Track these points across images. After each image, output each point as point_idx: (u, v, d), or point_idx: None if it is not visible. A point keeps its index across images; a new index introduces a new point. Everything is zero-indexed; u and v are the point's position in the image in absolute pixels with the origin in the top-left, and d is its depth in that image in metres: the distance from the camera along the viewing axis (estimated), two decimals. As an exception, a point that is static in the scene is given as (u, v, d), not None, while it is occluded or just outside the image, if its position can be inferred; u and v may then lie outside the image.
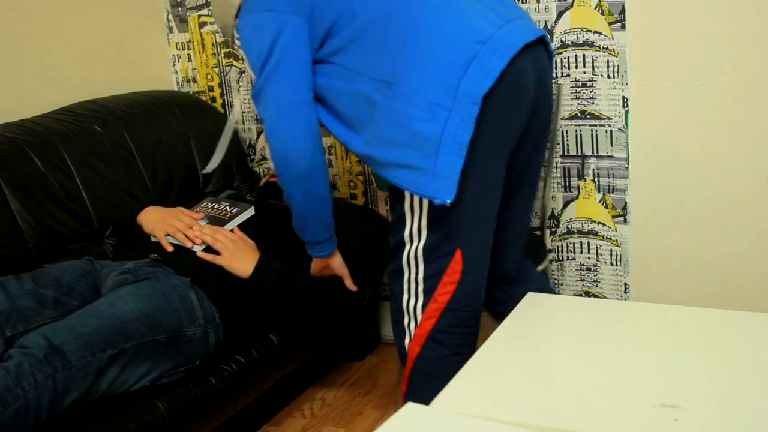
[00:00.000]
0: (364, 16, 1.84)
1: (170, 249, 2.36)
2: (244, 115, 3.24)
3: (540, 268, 2.41)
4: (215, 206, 2.56)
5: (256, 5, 1.96)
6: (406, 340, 1.94)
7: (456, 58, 1.76)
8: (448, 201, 1.75)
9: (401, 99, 1.77)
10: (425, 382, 1.91)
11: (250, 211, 2.51)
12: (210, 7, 2.18)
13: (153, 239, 2.43)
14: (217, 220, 2.47)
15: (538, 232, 2.63)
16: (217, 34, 3.18)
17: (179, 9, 3.24)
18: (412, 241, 1.89)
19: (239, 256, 2.30)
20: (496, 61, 1.76)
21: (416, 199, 1.84)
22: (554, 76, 2.57)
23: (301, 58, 1.91)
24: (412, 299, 1.93)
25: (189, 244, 2.36)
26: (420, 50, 1.78)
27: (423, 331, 1.91)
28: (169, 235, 2.39)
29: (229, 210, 2.52)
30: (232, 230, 2.41)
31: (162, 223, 2.42)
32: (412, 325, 1.93)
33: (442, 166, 1.75)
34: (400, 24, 1.81)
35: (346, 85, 1.89)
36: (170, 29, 3.28)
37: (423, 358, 1.92)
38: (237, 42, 2.07)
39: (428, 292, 1.90)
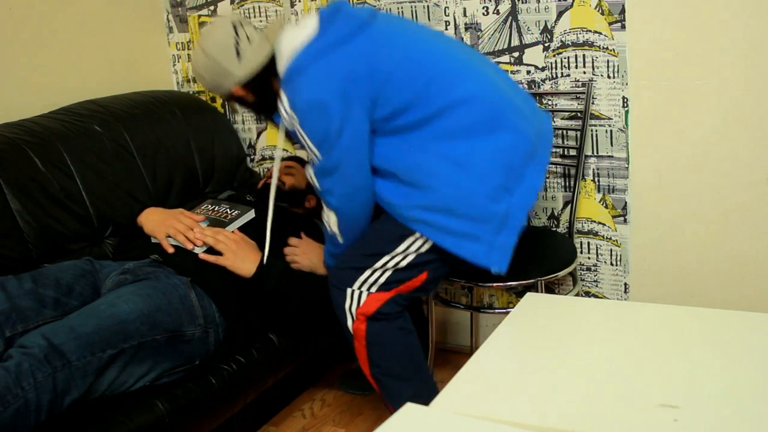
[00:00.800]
0: (439, 101, 2.05)
1: (171, 250, 2.36)
2: (244, 115, 3.24)
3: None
4: (215, 208, 2.55)
5: (314, 83, 2.04)
6: (349, 322, 2.15)
7: (524, 149, 2.10)
8: (503, 271, 2.06)
9: (472, 178, 2.04)
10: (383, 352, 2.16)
11: (251, 214, 2.51)
12: (197, 65, 2.24)
13: (153, 240, 2.43)
14: (218, 222, 2.47)
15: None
16: (217, 34, 3.18)
17: (179, 9, 3.24)
18: (392, 259, 2.12)
19: (241, 256, 2.31)
20: (543, 152, 2.19)
21: (428, 244, 2.11)
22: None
23: (366, 140, 2.09)
24: (363, 290, 2.14)
25: (190, 246, 2.36)
26: (492, 136, 2.06)
27: (368, 311, 2.13)
28: (169, 236, 2.39)
29: (229, 212, 2.51)
30: (233, 232, 2.42)
31: (163, 224, 2.42)
32: (354, 307, 2.14)
33: (503, 241, 2.06)
34: (473, 110, 2.06)
35: (411, 158, 2.09)
36: (170, 29, 3.28)
37: (374, 332, 2.14)
38: (235, 104, 2.30)
39: (382, 287, 2.14)
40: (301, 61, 2.05)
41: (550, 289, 2.72)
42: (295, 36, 2.09)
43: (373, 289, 2.13)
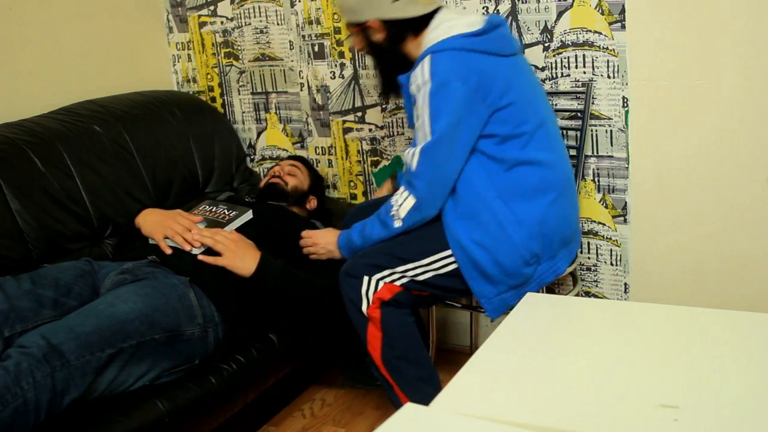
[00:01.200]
0: (531, 151, 2.18)
1: (169, 252, 2.35)
2: (244, 115, 3.24)
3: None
4: (213, 209, 2.55)
5: (461, 65, 2.11)
6: (364, 306, 2.22)
7: (567, 231, 2.27)
8: (493, 318, 2.24)
9: (522, 237, 2.16)
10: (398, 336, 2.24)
11: (248, 215, 2.51)
12: None
13: (151, 241, 2.43)
14: (215, 224, 2.46)
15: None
16: (216, 34, 3.18)
17: (179, 9, 3.24)
18: (415, 269, 2.22)
19: (241, 255, 2.32)
20: (574, 248, 2.35)
21: (450, 267, 2.22)
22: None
23: (472, 141, 2.17)
24: (380, 281, 2.21)
25: (187, 247, 2.36)
26: (550, 208, 2.20)
27: (384, 297, 2.22)
28: (167, 237, 2.38)
29: (227, 213, 2.51)
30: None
31: (161, 225, 2.41)
32: (371, 292, 2.21)
33: (509, 298, 2.21)
34: (549, 176, 2.21)
35: (482, 186, 2.18)
36: (170, 29, 3.28)
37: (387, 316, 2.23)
38: (357, 40, 2.32)
39: (401, 285, 2.22)
40: (457, 42, 2.13)
41: (551, 289, 2.72)
42: (459, 21, 2.19)
43: (388, 282, 2.22)
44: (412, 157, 2.17)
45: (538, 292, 2.30)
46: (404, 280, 2.22)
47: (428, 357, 2.31)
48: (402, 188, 2.21)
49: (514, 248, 2.17)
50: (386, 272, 2.21)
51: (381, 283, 2.21)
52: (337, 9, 2.42)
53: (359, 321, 2.24)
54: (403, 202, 2.19)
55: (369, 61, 2.89)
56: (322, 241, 2.43)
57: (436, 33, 2.18)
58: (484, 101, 2.12)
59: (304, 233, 2.48)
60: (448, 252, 2.21)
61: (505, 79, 2.15)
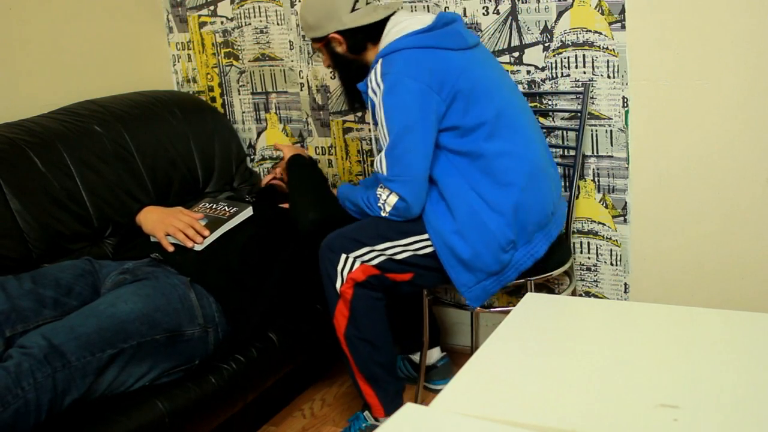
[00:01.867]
0: (497, 142, 2.22)
1: (171, 249, 2.36)
2: (244, 115, 3.24)
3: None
4: (213, 206, 2.56)
5: (410, 64, 2.17)
6: (338, 284, 2.27)
7: (540, 217, 2.28)
8: (475, 308, 2.31)
9: (498, 224, 2.20)
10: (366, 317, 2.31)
11: (249, 211, 2.51)
12: (309, 1, 2.38)
13: (153, 239, 2.43)
14: (216, 220, 2.47)
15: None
16: (216, 34, 3.18)
17: (179, 9, 3.24)
18: (393, 247, 2.26)
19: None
20: (553, 230, 2.35)
21: (429, 249, 2.26)
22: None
23: (433, 136, 2.22)
24: (357, 260, 2.27)
25: (189, 244, 2.36)
26: (523, 194, 2.21)
27: (358, 277, 2.27)
28: (168, 235, 2.39)
29: (227, 209, 2.52)
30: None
31: (162, 223, 2.42)
32: (346, 271, 2.27)
33: (489, 286, 2.26)
34: (520, 164, 2.23)
35: (454, 181, 2.23)
36: (170, 29, 3.28)
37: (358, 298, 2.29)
38: (322, 54, 2.42)
39: (377, 266, 2.27)
40: (406, 42, 2.21)
41: (550, 289, 2.72)
42: (409, 22, 2.26)
43: (365, 262, 2.27)
44: (380, 163, 2.22)
45: (524, 282, 2.35)
46: (381, 259, 2.26)
47: (390, 343, 2.36)
48: (382, 185, 2.25)
49: (490, 236, 2.21)
50: (365, 249, 2.26)
51: (357, 263, 2.26)
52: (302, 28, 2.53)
53: (331, 295, 2.31)
54: (387, 198, 2.24)
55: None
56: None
57: (388, 38, 2.27)
58: (438, 94, 2.17)
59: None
60: (422, 236, 2.26)
61: (458, 72, 2.19)
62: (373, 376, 2.33)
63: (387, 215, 2.25)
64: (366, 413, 2.43)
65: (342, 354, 2.35)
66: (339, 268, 2.27)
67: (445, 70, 2.18)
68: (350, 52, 2.36)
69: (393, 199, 2.22)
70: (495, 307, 2.86)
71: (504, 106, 2.26)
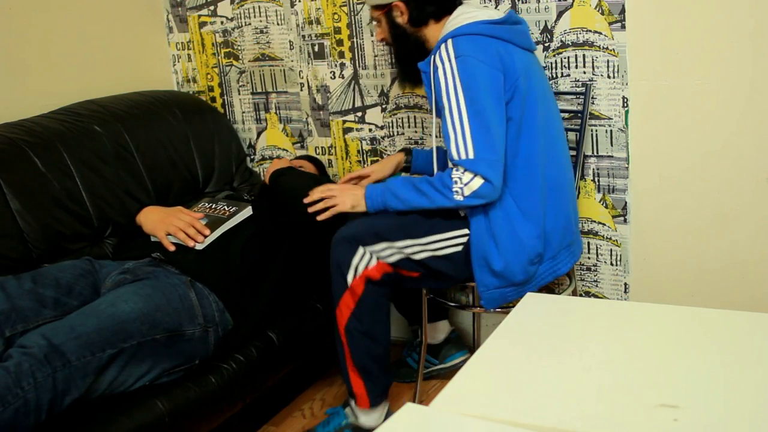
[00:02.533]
0: (539, 146, 2.22)
1: (172, 248, 2.36)
2: (244, 115, 3.24)
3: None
4: (213, 206, 2.56)
5: (480, 48, 2.15)
6: (350, 277, 2.25)
7: (567, 235, 2.30)
8: (486, 308, 2.29)
9: (529, 235, 2.20)
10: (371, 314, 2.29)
11: (248, 210, 2.52)
12: None
13: (153, 239, 2.44)
14: (217, 219, 2.47)
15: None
16: (216, 34, 3.18)
17: (179, 9, 3.24)
18: (413, 246, 2.24)
19: (351, 195, 2.34)
20: (576, 250, 2.38)
21: (459, 243, 2.25)
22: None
23: (504, 119, 2.19)
24: (373, 256, 2.24)
25: (191, 243, 2.37)
26: (553, 211, 2.25)
27: (373, 275, 2.25)
28: (169, 234, 2.39)
29: (227, 209, 2.52)
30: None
31: (162, 222, 2.42)
32: (362, 266, 2.24)
33: (508, 294, 2.25)
34: (558, 176, 2.28)
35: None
36: (170, 29, 3.28)
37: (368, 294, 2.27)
38: (379, 24, 2.39)
39: (393, 264, 2.26)
40: (477, 28, 2.18)
41: (550, 289, 2.72)
42: (480, 12, 2.25)
43: (381, 258, 2.25)
44: (462, 146, 2.12)
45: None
46: (398, 257, 2.25)
47: (388, 337, 2.35)
48: (462, 169, 2.13)
49: (520, 247, 2.20)
50: (384, 245, 2.23)
51: (374, 260, 2.24)
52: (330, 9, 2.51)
53: (339, 286, 2.27)
54: (469, 182, 2.12)
55: (369, 60, 2.89)
56: (348, 192, 2.35)
57: (456, 21, 2.24)
58: (504, 82, 2.16)
59: (321, 187, 2.42)
60: (455, 233, 2.24)
61: (522, 69, 2.18)
62: (366, 369, 2.32)
63: (462, 200, 2.13)
64: (348, 410, 2.43)
65: (337, 342, 2.34)
66: (355, 260, 2.24)
67: (510, 63, 2.17)
68: (411, 24, 2.33)
69: (477, 182, 2.11)
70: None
71: (550, 116, 2.28)
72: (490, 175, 2.11)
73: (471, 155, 2.11)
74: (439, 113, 2.21)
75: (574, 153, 2.59)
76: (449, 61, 2.15)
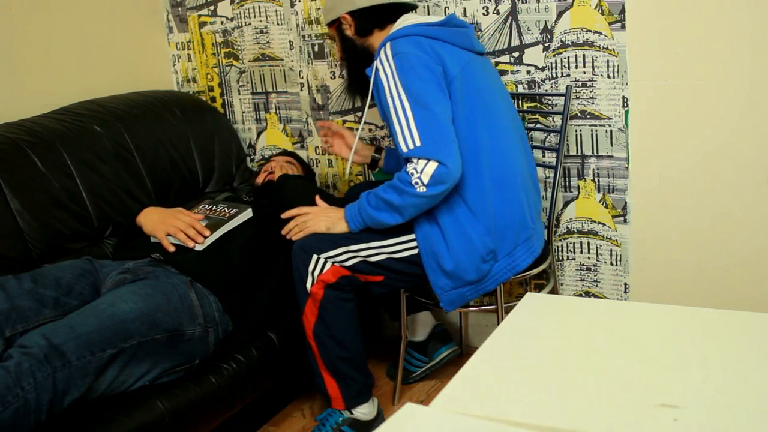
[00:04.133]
0: (485, 144, 2.23)
1: (172, 249, 2.36)
2: (244, 115, 3.24)
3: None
4: (213, 207, 2.56)
5: (418, 47, 2.21)
6: (308, 284, 2.28)
7: (523, 230, 2.30)
8: (448, 310, 2.32)
9: (478, 232, 2.22)
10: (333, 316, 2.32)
11: (248, 213, 2.51)
12: None
13: (153, 239, 2.44)
14: (217, 221, 2.47)
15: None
16: (216, 34, 3.18)
17: (179, 9, 3.24)
18: (369, 249, 2.28)
19: (329, 217, 2.36)
20: (536, 245, 2.35)
21: (406, 253, 2.29)
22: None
23: (448, 102, 2.22)
24: (328, 260, 2.27)
25: (191, 244, 2.37)
26: (505, 205, 2.26)
27: (328, 279, 2.28)
28: (169, 235, 2.39)
29: (227, 210, 2.52)
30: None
31: (163, 223, 2.42)
32: (317, 272, 2.27)
33: (465, 293, 2.28)
34: (509, 172, 2.28)
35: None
36: (170, 29, 3.28)
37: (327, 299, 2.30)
38: (332, 39, 2.46)
39: (349, 267, 2.28)
40: (415, 29, 2.24)
41: (543, 286, 2.72)
42: (420, 18, 2.33)
43: (337, 263, 2.28)
44: (407, 137, 2.13)
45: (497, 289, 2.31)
46: (355, 261, 2.28)
47: (359, 340, 2.37)
48: (415, 159, 2.13)
49: (471, 246, 2.22)
50: (339, 250, 2.27)
51: (329, 264, 2.27)
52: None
53: (301, 293, 2.31)
54: (423, 169, 2.11)
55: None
56: (322, 215, 2.36)
57: (399, 25, 2.31)
58: (443, 77, 2.19)
59: (293, 210, 2.42)
60: (409, 236, 2.27)
61: (459, 66, 2.22)
62: (338, 371, 2.35)
63: (425, 190, 2.11)
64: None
65: (307, 348, 2.37)
66: (310, 268, 2.28)
67: (447, 61, 2.20)
68: (357, 35, 2.39)
69: (431, 167, 2.09)
70: (473, 306, 2.84)
71: (495, 115, 2.29)
72: (442, 157, 2.09)
73: (418, 142, 2.12)
74: (385, 115, 2.23)
75: (575, 153, 2.59)
76: (387, 61, 2.21)
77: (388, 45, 2.23)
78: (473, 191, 2.22)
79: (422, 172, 2.10)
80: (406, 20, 2.33)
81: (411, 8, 2.43)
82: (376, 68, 2.25)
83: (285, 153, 3.03)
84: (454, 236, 2.22)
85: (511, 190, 2.28)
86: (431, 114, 2.13)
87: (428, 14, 2.71)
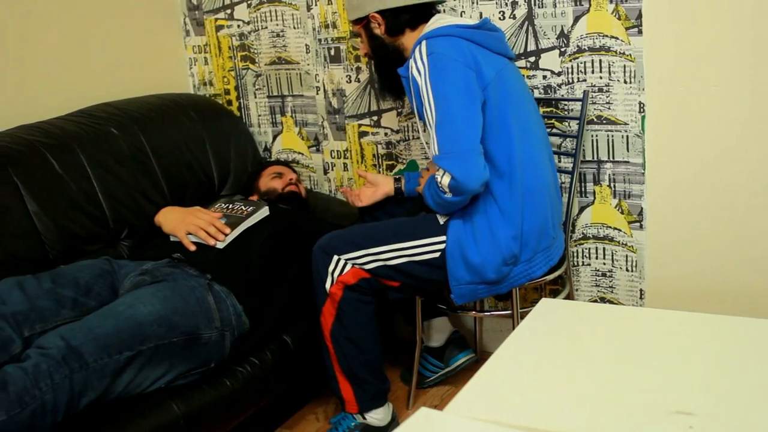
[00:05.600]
0: (516, 150, 2.22)
1: (193, 248, 2.38)
2: (260, 118, 3.25)
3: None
4: (230, 206, 2.58)
5: (453, 48, 2.17)
6: (328, 284, 2.30)
7: (543, 239, 2.29)
8: (457, 303, 2.30)
9: (506, 234, 2.22)
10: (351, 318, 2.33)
11: (265, 211, 2.54)
12: None
13: (173, 239, 2.45)
14: (235, 219, 2.49)
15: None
16: (233, 38, 3.19)
17: (196, 12, 3.25)
18: (390, 252, 2.28)
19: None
20: (554, 255, 2.36)
21: (437, 250, 2.27)
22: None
23: (479, 114, 2.20)
24: (348, 262, 2.29)
25: (212, 242, 2.39)
26: (531, 214, 2.24)
27: (348, 281, 2.30)
28: (190, 234, 2.41)
29: (244, 208, 2.54)
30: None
31: (182, 222, 2.45)
32: (337, 273, 2.29)
33: (480, 290, 2.28)
34: (537, 178, 2.26)
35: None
36: (187, 32, 3.30)
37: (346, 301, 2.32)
38: (359, 37, 2.43)
39: (369, 271, 2.29)
40: (452, 30, 2.21)
41: (558, 292, 2.71)
42: (455, 19, 2.31)
43: (357, 265, 2.29)
44: (433, 143, 2.15)
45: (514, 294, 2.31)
46: (375, 264, 2.28)
47: (376, 344, 2.38)
48: (436, 165, 2.15)
49: (496, 247, 2.22)
50: (359, 252, 2.28)
51: (349, 265, 2.29)
52: (345, 14, 2.55)
53: (320, 294, 2.33)
54: (441, 178, 2.13)
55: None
56: (384, 188, 2.52)
57: (431, 26, 2.28)
58: (477, 82, 2.17)
59: (366, 174, 2.57)
60: (432, 240, 2.26)
61: (495, 72, 2.20)
62: (354, 374, 2.36)
63: (450, 197, 2.15)
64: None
65: (324, 349, 2.38)
66: (330, 268, 2.29)
67: (482, 64, 2.18)
68: (388, 34, 2.36)
69: (446, 179, 2.11)
70: (488, 311, 2.85)
71: (528, 121, 2.28)
72: (452, 169, 2.09)
73: (436, 151, 2.14)
74: (421, 114, 2.23)
75: (591, 158, 2.58)
76: (422, 59, 2.19)
77: (424, 43, 2.20)
78: (506, 195, 2.22)
79: (440, 181, 2.14)
80: (441, 19, 2.30)
81: (437, 9, 2.41)
82: (410, 67, 2.22)
83: (282, 163, 3.05)
84: (482, 234, 2.22)
85: (539, 198, 2.28)
86: (452, 122, 2.13)
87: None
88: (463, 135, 2.13)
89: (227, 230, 2.43)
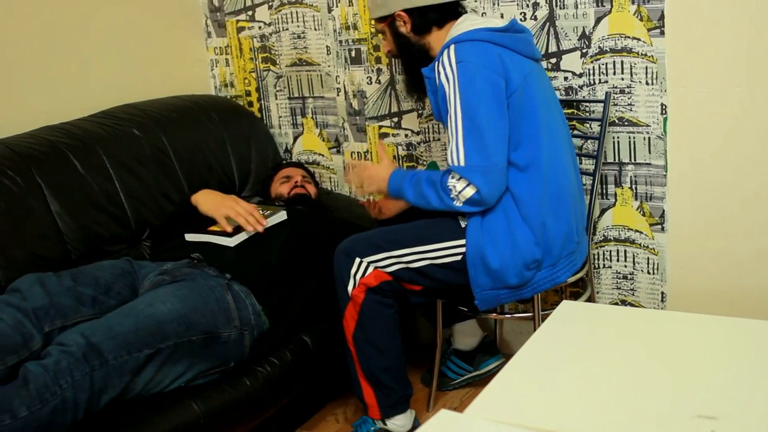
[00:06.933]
0: (543, 158, 2.20)
1: (229, 229, 2.41)
2: (280, 119, 3.26)
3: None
4: None
5: (482, 54, 2.15)
6: (350, 287, 2.29)
7: (567, 244, 2.28)
8: (480, 308, 2.30)
9: (527, 239, 2.20)
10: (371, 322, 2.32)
11: (283, 215, 2.54)
12: None
13: (189, 238, 2.46)
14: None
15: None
16: (254, 39, 3.21)
17: (217, 14, 3.27)
18: (411, 255, 2.26)
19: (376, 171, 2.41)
20: (578, 260, 2.35)
21: (459, 253, 2.24)
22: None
23: (506, 127, 2.20)
24: (370, 265, 2.28)
25: (251, 228, 2.42)
26: (553, 218, 2.23)
27: (370, 283, 2.29)
28: (228, 217, 2.43)
29: (262, 213, 2.55)
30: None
31: (222, 205, 2.47)
32: (359, 275, 2.28)
33: (502, 296, 2.26)
34: (560, 184, 2.26)
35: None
36: (208, 34, 3.31)
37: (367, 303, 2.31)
38: (383, 35, 2.40)
39: (391, 273, 2.29)
40: (481, 34, 2.19)
41: (579, 294, 2.70)
42: (483, 20, 2.30)
43: (379, 268, 2.28)
44: (455, 153, 2.15)
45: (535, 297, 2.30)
46: (397, 267, 2.27)
47: (398, 349, 2.37)
48: (457, 176, 2.15)
49: (517, 251, 2.20)
50: (381, 255, 2.27)
51: (371, 268, 2.28)
52: (368, 10, 2.53)
53: (342, 297, 2.32)
54: (462, 190, 2.14)
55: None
56: (377, 175, 2.38)
57: (460, 28, 2.26)
58: (506, 90, 2.16)
59: (357, 162, 2.52)
60: (453, 243, 2.25)
61: (522, 77, 2.19)
62: (376, 379, 2.35)
63: (461, 206, 2.17)
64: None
65: (347, 353, 2.37)
66: (353, 271, 2.29)
67: (511, 70, 2.17)
68: (414, 33, 2.34)
69: (469, 192, 2.13)
70: (509, 314, 2.84)
71: (554, 125, 2.27)
72: (480, 184, 2.12)
73: (462, 162, 2.13)
74: (445, 120, 2.22)
75: (612, 160, 2.57)
76: (450, 66, 2.17)
77: (452, 48, 2.18)
78: (528, 200, 2.20)
79: (460, 192, 2.14)
80: (468, 20, 2.28)
81: (463, 7, 2.40)
82: (438, 71, 2.21)
83: (296, 165, 3.05)
84: (502, 238, 2.20)
85: (564, 205, 2.27)
86: (480, 135, 2.12)
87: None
88: (492, 149, 2.13)
89: (265, 221, 2.45)
